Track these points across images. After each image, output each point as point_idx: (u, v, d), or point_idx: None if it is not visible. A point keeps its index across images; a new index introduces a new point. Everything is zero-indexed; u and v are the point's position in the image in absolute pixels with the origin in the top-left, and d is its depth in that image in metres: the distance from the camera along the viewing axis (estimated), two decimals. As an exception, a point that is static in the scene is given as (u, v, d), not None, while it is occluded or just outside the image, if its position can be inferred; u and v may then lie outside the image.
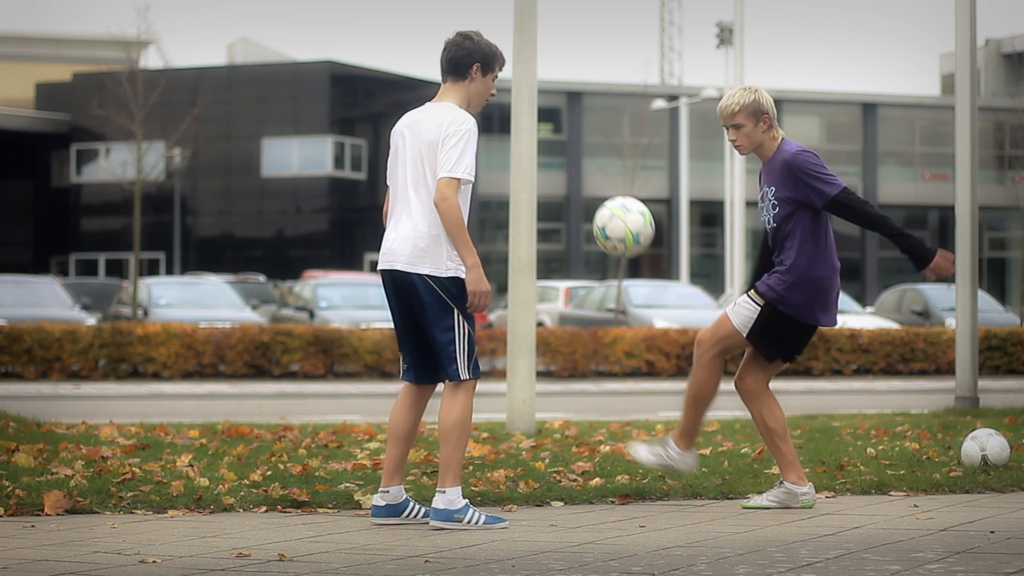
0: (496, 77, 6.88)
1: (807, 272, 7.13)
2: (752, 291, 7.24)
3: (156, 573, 5.46)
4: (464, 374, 6.63)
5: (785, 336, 7.24)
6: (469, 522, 6.57)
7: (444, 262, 6.60)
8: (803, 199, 7.09)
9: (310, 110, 52.05)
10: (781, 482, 7.28)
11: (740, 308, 7.21)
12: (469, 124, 6.62)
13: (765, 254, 7.41)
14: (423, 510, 6.81)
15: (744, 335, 7.19)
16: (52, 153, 54.84)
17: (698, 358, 7.21)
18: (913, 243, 7.07)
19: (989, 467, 8.30)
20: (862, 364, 26.24)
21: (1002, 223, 56.48)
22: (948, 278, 7.03)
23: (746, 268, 36.86)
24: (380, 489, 6.82)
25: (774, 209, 7.16)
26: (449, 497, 6.58)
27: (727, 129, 7.21)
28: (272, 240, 52.10)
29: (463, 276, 6.61)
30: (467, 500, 6.72)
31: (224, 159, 52.17)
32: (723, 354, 7.26)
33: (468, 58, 6.76)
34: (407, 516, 6.79)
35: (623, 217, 7.10)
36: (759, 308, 7.16)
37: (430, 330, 6.64)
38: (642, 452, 7.39)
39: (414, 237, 6.61)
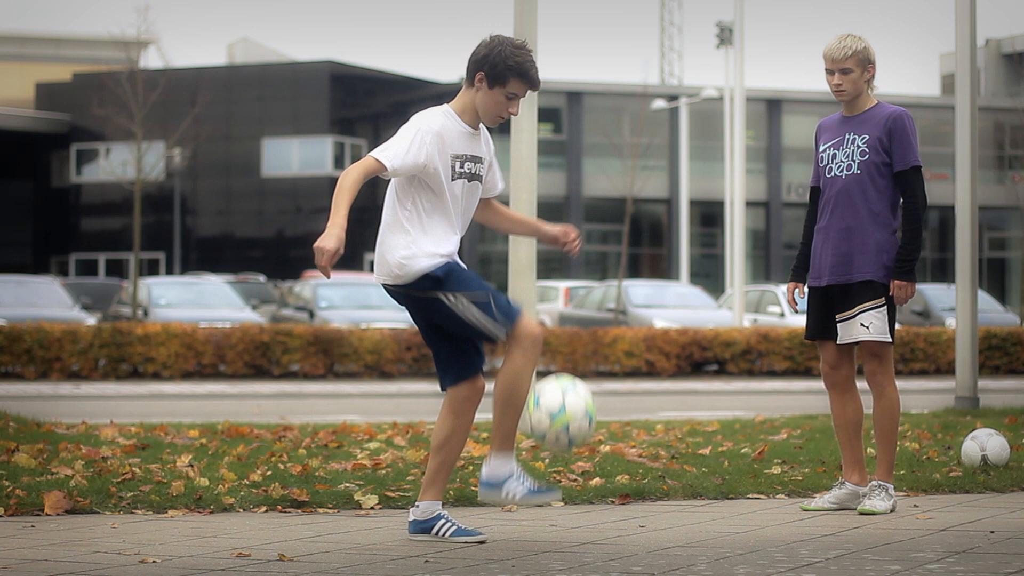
0: (514, 95, 6.12)
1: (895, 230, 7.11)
2: (865, 295, 7.09)
3: (156, 573, 5.45)
4: (499, 334, 6.08)
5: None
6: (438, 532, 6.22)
7: (392, 269, 6.13)
8: (890, 153, 7.05)
9: (310, 110, 52.06)
10: (842, 482, 7.22)
11: (870, 322, 7.13)
12: (416, 121, 6.12)
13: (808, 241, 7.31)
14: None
15: (892, 340, 7.23)
16: (52, 153, 54.87)
17: (880, 386, 7.26)
18: (914, 255, 7.02)
19: (989, 467, 8.29)
20: (863, 364, 26.16)
21: (1002, 223, 56.46)
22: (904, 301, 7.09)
23: (746, 268, 36.84)
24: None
25: (862, 156, 7.05)
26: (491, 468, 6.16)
27: (832, 73, 7.08)
28: (272, 240, 52.11)
29: (420, 266, 6.07)
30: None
31: (224, 159, 52.18)
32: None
33: (475, 64, 6.14)
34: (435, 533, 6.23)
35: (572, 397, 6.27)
36: (885, 304, 7.13)
37: (442, 326, 6.18)
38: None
39: (378, 246, 6.24)
